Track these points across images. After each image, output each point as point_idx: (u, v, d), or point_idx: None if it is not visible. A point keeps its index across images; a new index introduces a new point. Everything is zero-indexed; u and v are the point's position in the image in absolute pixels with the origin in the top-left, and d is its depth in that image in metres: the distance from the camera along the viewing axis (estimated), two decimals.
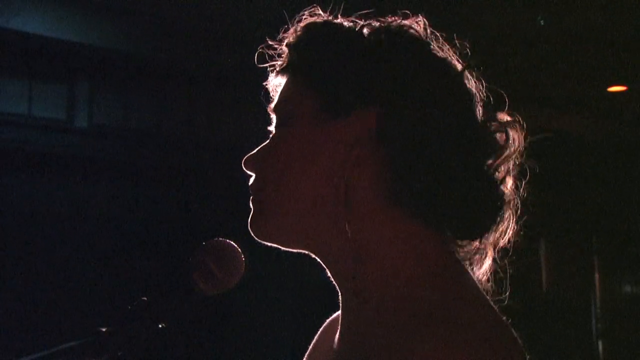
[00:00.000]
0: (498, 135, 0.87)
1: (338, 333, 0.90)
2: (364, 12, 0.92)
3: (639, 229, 6.00)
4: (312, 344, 1.03)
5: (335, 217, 0.84)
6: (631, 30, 4.12)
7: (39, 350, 0.79)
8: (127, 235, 4.02)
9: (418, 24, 0.89)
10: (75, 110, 3.92)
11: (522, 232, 0.92)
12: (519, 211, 0.90)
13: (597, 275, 6.10)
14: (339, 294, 0.90)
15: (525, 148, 0.88)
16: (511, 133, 0.87)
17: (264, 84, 0.96)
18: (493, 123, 0.87)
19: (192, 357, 4.04)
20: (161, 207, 4.15)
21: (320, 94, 0.86)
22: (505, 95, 0.92)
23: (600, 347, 5.98)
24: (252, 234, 0.90)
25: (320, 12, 0.93)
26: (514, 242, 0.91)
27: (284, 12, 0.95)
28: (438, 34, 0.89)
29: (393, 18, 0.89)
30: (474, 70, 0.89)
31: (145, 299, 0.84)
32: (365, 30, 0.89)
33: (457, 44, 0.90)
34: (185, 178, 4.19)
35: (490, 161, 0.86)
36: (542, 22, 3.57)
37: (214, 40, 4.05)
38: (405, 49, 0.86)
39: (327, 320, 1.04)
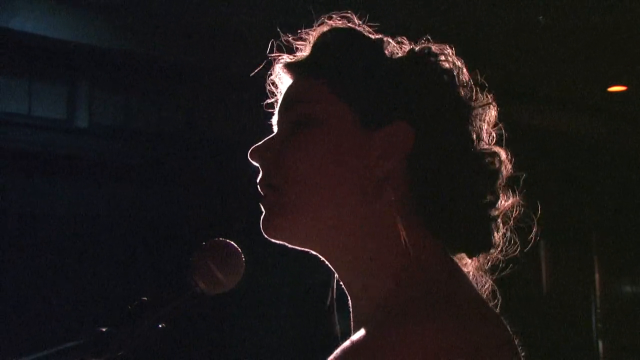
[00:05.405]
0: (492, 165, 0.92)
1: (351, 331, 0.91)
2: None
3: (639, 229, 6.00)
4: None
5: (353, 220, 0.86)
6: (631, 30, 4.12)
7: (39, 350, 0.79)
8: (127, 235, 4.01)
9: (446, 51, 0.92)
10: (75, 110, 3.92)
11: (522, 232, 0.93)
12: (516, 210, 0.93)
13: (597, 275, 6.09)
14: (349, 298, 0.90)
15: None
16: (503, 164, 0.92)
17: (264, 84, 0.96)
18: (490, 154, 0.92)
19: (192, 357, 4.04)
20: (161, 207, 4.15)
21: (355, 105, 0.87)
22: (505, 95, 0.93)
23: (600, 347, 5.98)
24: (264, 232, 0.89)
25: (349, 16, 0.94)
26: (513, 242, 0.92)
27: (284, 12, 0.96)
28: (461, 62, 0.93)
29: (421, 41, 0.93)
30: (489, 105, 0.93)
31: (145, 299, 0.84)
32: (390, 47, 0.92)
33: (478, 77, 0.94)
34: (186, 178, 4.19)
35: (489, 187, 0.91)
36: (541, 21, 3.59)
37: (213, 40, 4.05)
38: (437, 74, 0.90)
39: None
